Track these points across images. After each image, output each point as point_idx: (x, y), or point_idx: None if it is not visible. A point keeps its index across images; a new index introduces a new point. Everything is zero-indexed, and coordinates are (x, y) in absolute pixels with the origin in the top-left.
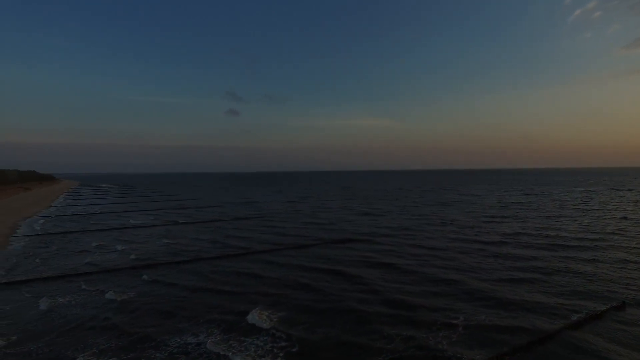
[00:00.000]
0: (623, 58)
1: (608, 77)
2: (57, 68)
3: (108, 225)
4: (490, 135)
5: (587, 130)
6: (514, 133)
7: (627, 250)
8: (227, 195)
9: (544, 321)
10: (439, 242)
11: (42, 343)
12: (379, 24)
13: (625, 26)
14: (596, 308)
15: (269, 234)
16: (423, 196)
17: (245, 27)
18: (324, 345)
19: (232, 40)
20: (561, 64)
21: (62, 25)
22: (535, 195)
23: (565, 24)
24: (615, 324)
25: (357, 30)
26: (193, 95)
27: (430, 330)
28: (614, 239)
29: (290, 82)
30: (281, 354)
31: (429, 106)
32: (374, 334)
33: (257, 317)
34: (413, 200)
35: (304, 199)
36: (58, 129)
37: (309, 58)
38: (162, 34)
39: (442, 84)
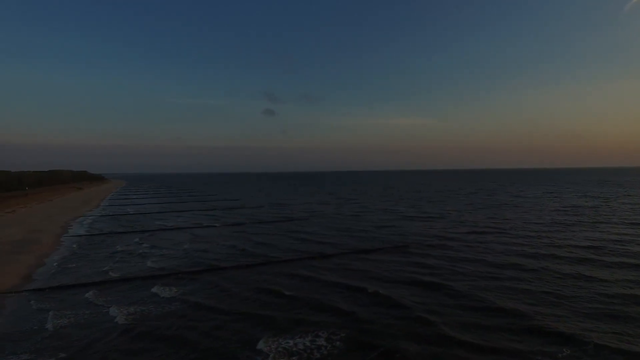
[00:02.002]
0: None
1: None
2: (102, 72)
3: (143, 226)
4: (535, 134)
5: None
6: (564, 131)
7: None
8: (264, 196)
9: None
10: (502, 255)
11: None
12: (416, 18)
13: None
14: None
15: (303, 240)
16: (472, 198)
17: (281, 27)
18: None
19: (269, 40)
20: (616, 56)
21: (105, 29)
22: (601, 198)
23: (621, 12)
24: None
25: (393, 26)
26: (231, 97)
27: None
28: None
29: (325, 81)
30: None
31: (470, 104)
32: None
33: (264, 347)
34: (463, 203)
35: (345, 200)
36: (108, 132)
37: (344, 56)
38: (201, 36)
39: (483, 80)
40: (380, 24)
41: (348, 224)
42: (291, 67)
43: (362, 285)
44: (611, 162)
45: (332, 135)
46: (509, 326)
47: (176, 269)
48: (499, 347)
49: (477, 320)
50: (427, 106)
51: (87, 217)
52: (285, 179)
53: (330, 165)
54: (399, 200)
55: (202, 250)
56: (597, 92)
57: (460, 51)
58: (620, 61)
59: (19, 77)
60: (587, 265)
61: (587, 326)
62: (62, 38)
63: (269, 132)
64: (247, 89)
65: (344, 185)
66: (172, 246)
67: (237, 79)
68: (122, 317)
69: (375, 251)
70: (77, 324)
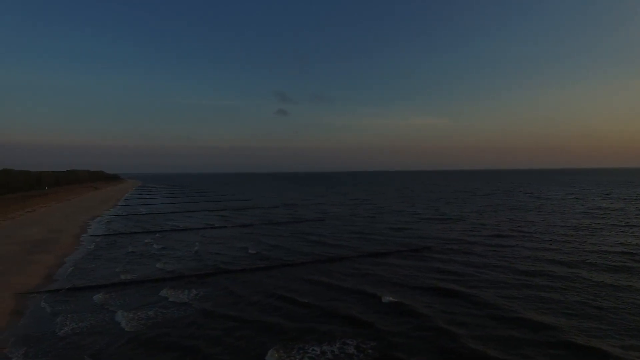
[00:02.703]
0: None
1: None
2: (117, 73)
3: (157, 226)
4: (551, 133)
5: None
6: (581, 130)
7: None
8: (276, 197)
9: None
10: (529, 261)
11: None
12: (428, 17)
13: None
14: None
15: (316, 242)
16: (490, 199)
17: (294, 27)
18: None
19: (281, 41)
20: (636, 54)
21: (121, 30)
22: (627, 200)
23: None
24: None
25: (406, 25)
26: (244, 97)
27: None
28: None
29: (338, 81)
30: None
31: (483, 103)
32: None
33: (274, 357)
34: (482, 204)
35: (359, 201)
36: (123, 132)
37: (357, 56)
38: (214, 37)
39: (497, 79)
40: (393, 23)
41: (363, 225)
42: (304, 67)
43: (379, 292)
44: (635, 162)
45: (344, 135)
46: (541, 340)
47: (186, 271)
48: None
49: (505, 333)
50: (440, 106)
51: (104, 217)
52: (298, 180)
53: (343, 165)
54: (415, 201)
55: (213, 252)
56: (616, 90)
57: (474, 49)
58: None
59: (35, 79)
60: (624, 273)
61: (630, 343)
62: (77, 39)
63: (282, 133)
64: (260, 90)
65: (357, 185)
66: (183, 247)
67: (250, 79)
68: (130, 322)
69: (392, 255)
70: (87, 329)
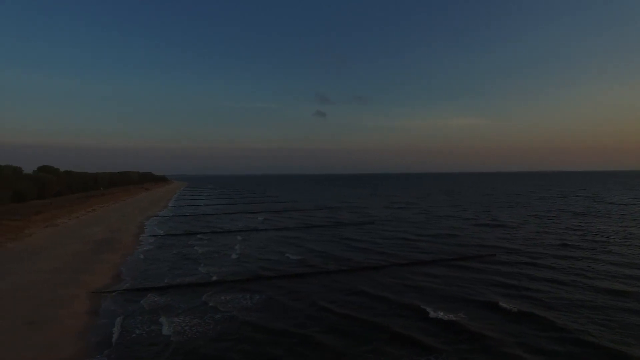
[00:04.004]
0: None
1: None
2: (163, 78)
3: (204, 227)
4: (605, 133)
5: None
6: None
7: None
8: (318, 199)
9: None
10: (608, 279)
11: None
12: (470, 14)
13: None
14: None
15: (359, 249)
16: (548, 203)
17: (332, 27)
18: None
19: (319, 41)
20: None
21: (166, 36)
22: None
23: None
24: None
25: (447, 22)
26: (283, 99)
27: None
28: None
29: (377, 82)
30: None
31: (531, 102)
32: None
33: None
34: (541, 209)
35: (405, 204)
36: (169, 135)
37: (397, 55)
38: (253, 39)
39: (546, 77)
40: (433, 21)
41: (410, 231)
42: (342, 68)
43: (432, 307)
44: None
45: (384, 136)
46: None
47: (228, 276)
48: None
49: None
50: (482, 106)
51: (158, 218)
52: (337, 181)
53: (383, 167)
54: (465, 205)
55: (254, 257)
56: None
57: (518, 47)
58: None
59: (88, 86)
60: None
61: None
62: (123, 46)
63: (320, 134)
64: (299, 92)
65: (399, 187)
66: (225, 251)
67: (288, 81)
68: (174, 330)
69: (443, 264)
70: (137, 335)
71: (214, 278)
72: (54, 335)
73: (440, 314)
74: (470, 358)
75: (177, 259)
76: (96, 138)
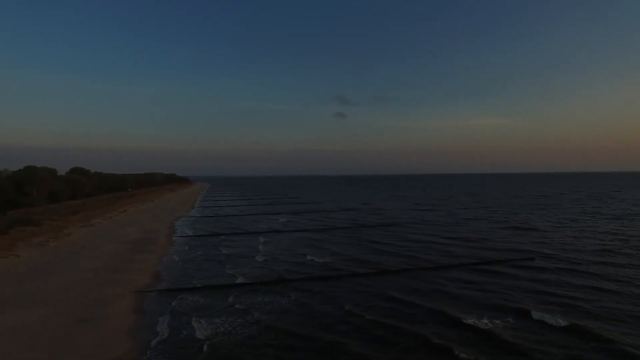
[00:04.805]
0: None
1: None
2: (189, 79)
3: (227, 228)
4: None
5: None
6: None
7: None
8: (341, 200)
9: None
10: None
11: None
12: (494, 11)
13: None
14: None
15: (383, 252)
16: (582, 206)
17: (352, 28)
18: None
19: (339, 42)
20: None
21: (184, 36)
22: None
23: None
24: None
25: (469, 20)
26: (304, 100)
27: None
28: None
29: (398, 82)
30: None
31: (559, 101)
32: None
33: None
34: (574, 212)
35: (430, 206)
36: (191, 136)
37: (418, 55)
38: (276, 42)
39: (572, 76)
40: (454, 19)
41: (438, 234)
42: (362, 69)
43: (465, 314)
44: None
45: (405, 137)
46: None
47: (253, 279)
48: None
49: None
50: (507, 105)
51: (186, 218)
52: (358, 182)
53: (404, 168)
54: (492, 207)
55: (277, 259)
56: None
57: (545, 43)
58: None
59: (112, 90)
60: None
61: None
62: (145, 49)
63: (341, 135)
64: (319, 93)
65: (421, 189)
66: (250, 252)
67: (309, 82)
68: (214, 331)
69: (477, 270)
70: (185, 334)
71: (241, 280)
72: (106, 333)
73: (474, 321)
74: None
75: (206, 260)
76: (121, 140)
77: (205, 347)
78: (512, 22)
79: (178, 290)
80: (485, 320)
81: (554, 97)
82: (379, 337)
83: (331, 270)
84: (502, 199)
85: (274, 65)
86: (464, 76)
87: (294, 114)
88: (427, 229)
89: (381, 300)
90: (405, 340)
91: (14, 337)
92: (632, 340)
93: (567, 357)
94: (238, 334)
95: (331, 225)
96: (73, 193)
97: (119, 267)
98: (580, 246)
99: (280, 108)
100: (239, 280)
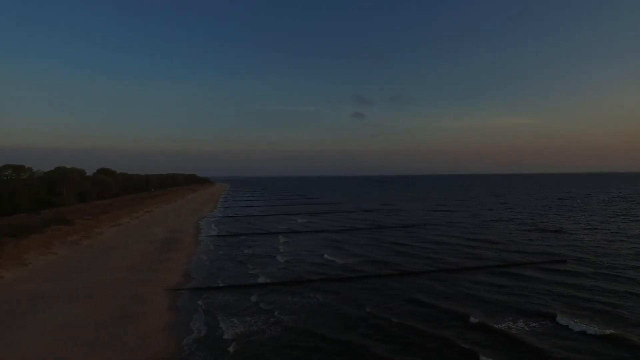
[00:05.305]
0: None
1: None
2: (202, 80)
3: (249, 229)
4: None
5: None
6: None
7: None
8: (361, 201)
9: None
10: None
11: None
12: (516, 9)
13: None
14: None
15: (405, 253)
16: (613, 208)
17: (370, 27)
18: None
19: (357, 41)
20: None
21: (207, 39)
22: None
23: None
24: None
25: (490, 18)
26: (321, 100)
27: None
28: None
29: (417, 81)
30: None
31: (584, 100)
32: None
33: None
34: (604, 214)
35: (452, 206)
36: (210, 137)
37: (437, 54)
38: (293, 42)
39: (596, 73)
40: (475, 17)
41: (463, 235)
42: (380, 68)
43: (491, 318)
44: None
45: (424, 137)
46: None
47: (274, 279)
48: None
49: None
50: (530, 104)
51: (210, 218)
52: (377, 183)
53: (424, 168)
54: (518, 208)
55: (297, 260)
56: None
57: (569, 42)
58: None
59: (132, 93)
60: None
61: None
62: (165, 51)
63: (359, 135)
64: (336, 93)
65: (442, 189)
66: (272, 252)
67: (326, 83)
68: (234, 332)
69: (505, 273)
70: (221, 332)
71: (263, 280)
72: (145, 329)
73: (502, 326)
74: None
75: (229, 260)
76: (144, 141)
77: (233, 346)
78: (532, 21)
79: (207, 289)
80: (514, 325)
81: (575, 96)
82: (402, 339)
83: (352, 271)
84: (527, 200)
85: (291, 66)
86: (485, 75)
87: (311, 114)
88: (450, 230)
89: (403, 302)
90: (429, 342)
91: (59, 332)
92: None
93: None
94: (264, 334)
95: (351, 226)
96: (100, 193)
97: (151, 265)
98: (613, 249)
99: (298, 109)
100: (261, 280)
